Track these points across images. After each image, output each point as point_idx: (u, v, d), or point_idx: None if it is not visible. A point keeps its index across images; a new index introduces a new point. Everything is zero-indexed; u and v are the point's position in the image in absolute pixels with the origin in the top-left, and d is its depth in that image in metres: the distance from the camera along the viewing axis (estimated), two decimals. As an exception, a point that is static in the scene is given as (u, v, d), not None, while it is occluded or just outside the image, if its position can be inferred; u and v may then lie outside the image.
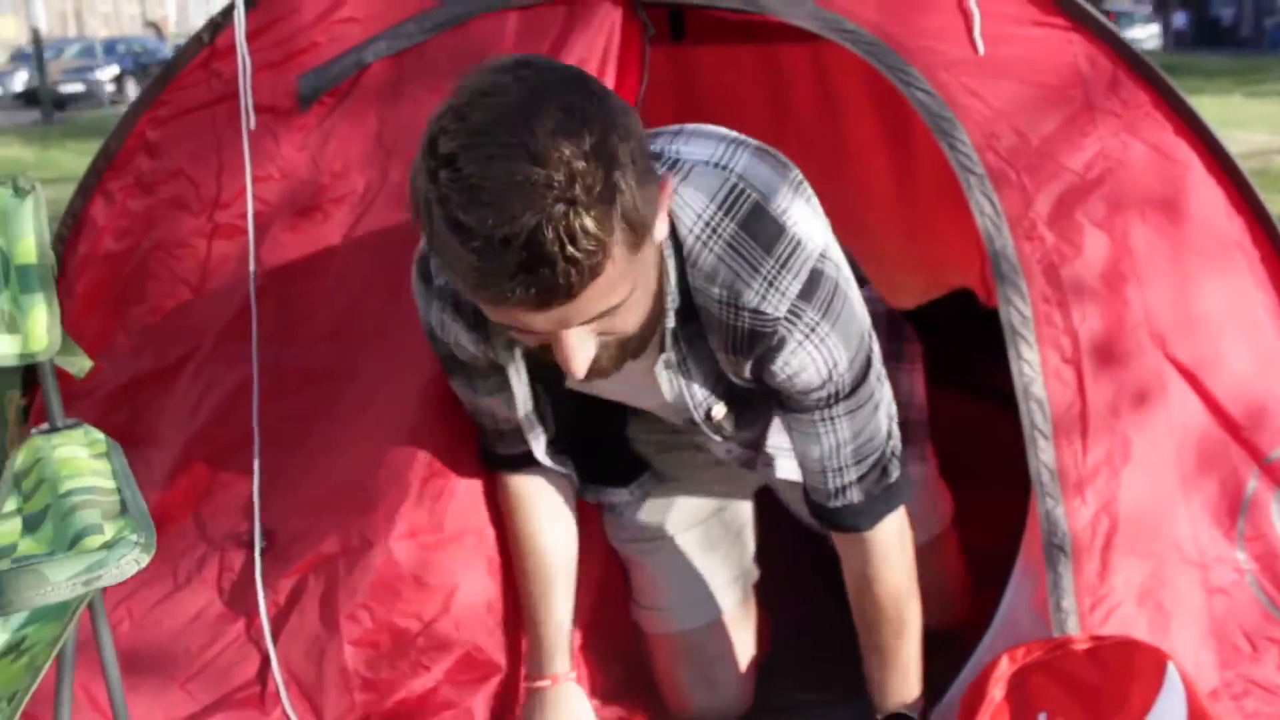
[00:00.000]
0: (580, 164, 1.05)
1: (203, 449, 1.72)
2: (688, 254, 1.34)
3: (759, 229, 1.33)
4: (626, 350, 1.31)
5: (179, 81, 1.79)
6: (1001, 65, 1.58)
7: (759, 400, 1.52)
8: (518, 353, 1.45)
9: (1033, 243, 1.56)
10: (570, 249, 1.06)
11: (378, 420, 1.61)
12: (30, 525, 0.94)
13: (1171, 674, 1.39)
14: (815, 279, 1.34)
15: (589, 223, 1.06)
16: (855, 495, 1.48)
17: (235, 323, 1.74)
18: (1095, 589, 1.55)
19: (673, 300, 1.36)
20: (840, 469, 1.47)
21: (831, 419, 1.44)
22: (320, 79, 1.71)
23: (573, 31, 1.64)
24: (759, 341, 1.37)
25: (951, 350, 2.42)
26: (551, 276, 1.07)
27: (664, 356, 1.42)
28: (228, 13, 1.76)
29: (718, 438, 1.57)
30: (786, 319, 1.34)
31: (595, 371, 1.27)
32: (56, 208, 6.02)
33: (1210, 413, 1.60)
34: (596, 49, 1.63)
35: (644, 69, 1.77)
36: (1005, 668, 1.46)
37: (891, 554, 1.53)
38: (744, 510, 1.87)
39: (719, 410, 1.51)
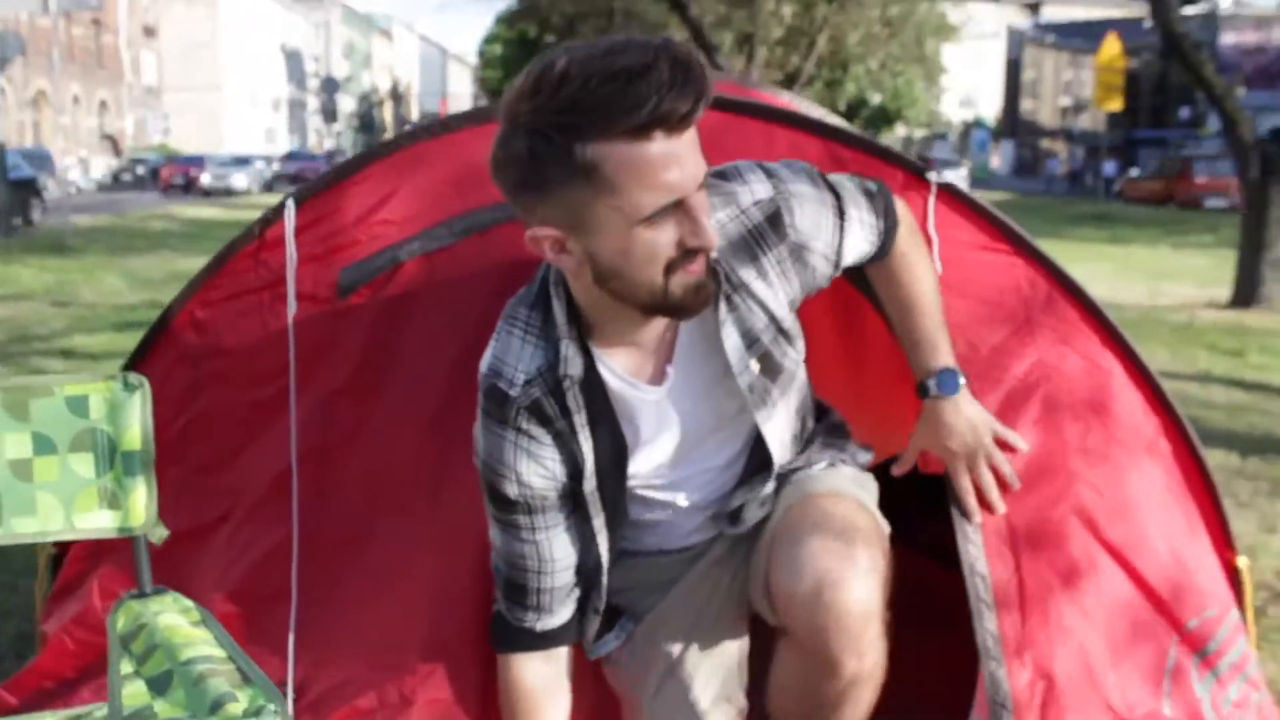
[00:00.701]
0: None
1: (238, 603, 1.88)
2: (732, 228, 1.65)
3: (714, 174, 1.60)
4: (710, 279, 1.53)
5: (229, 268, 1.99)
6: (957, 285, 1.84)
7: (781, 348, 1.69)
8: (588, 466, 1.64)
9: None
10: (699, 57, 1.36)
11: (411, 582, 1.78)
12: (158, 689, 1.09)
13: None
14: (764, 166, 1.67)
15: (698, 64, 1.36)
16: (883, 227, 1.76)
17: (272, 487, 1.92)
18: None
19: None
20: (871, 224, 1.74)
21: (850, 218, 1.71)
22: (359, 272, 1.92)
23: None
24: (776, 221, 1.63)
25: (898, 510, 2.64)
26: (693, 74, 1.34)
27: (723, 303, 1.61)
28: (278, 210, 1.98)
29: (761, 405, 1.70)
30: (774, 188, 1.64)
31: (706, 286, 1.51)
32: (14, 327, 6.23)
33: (1136, 587, 1.83)
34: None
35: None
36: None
37: (908, 244, 1.79)
38: (731, 642, 1.89)
39: (755, 366, 1.66)
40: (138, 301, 10.22)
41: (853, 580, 1.52)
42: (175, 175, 38.30)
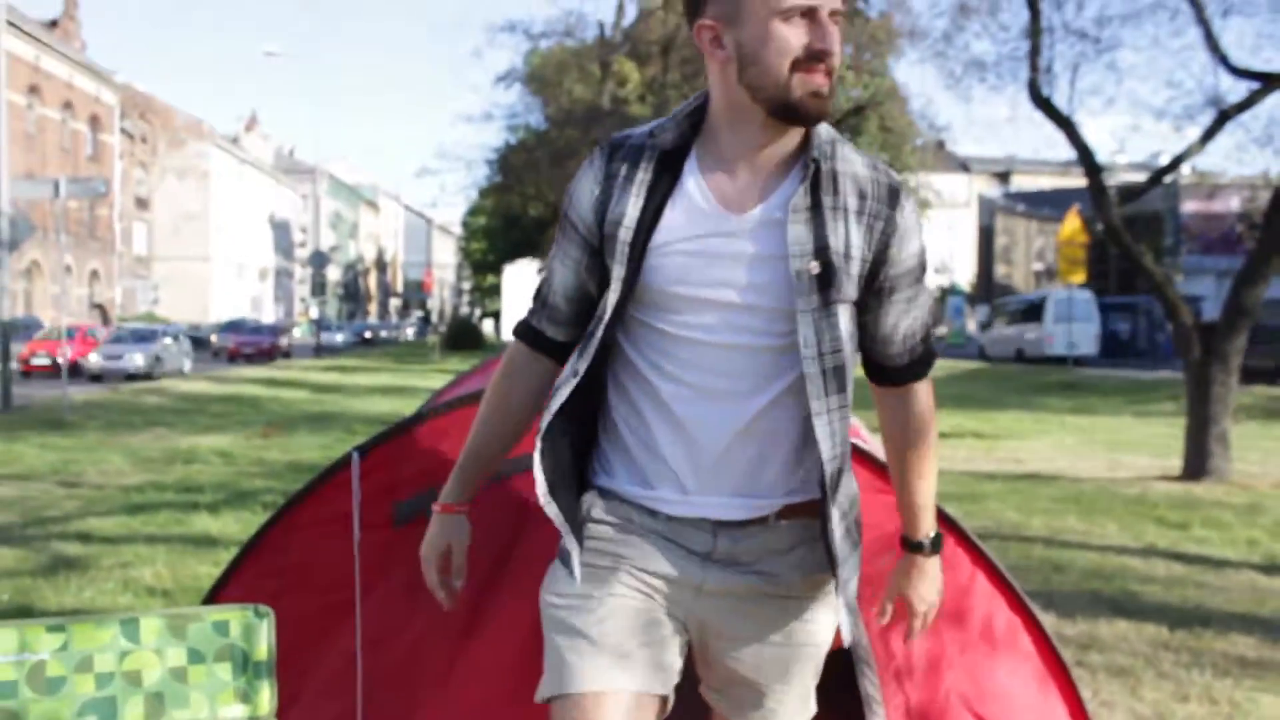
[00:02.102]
0: None
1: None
2: (841, 141, 1.88)
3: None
4: (834, 94, 1.78)
5: (307, 503, 2.58)
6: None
7: (839, 281, 1.81)
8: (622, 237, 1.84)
9: (879, 637, 2.38)
10: None
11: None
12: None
13: None
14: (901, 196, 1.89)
15: None
16: (919, 351, 1.96)
17: (334, 679, 2.47)
18: None
19: (818, 152, 1.81)
20: (914, 333, 1.94)
21: (918, 295, 1.92)
22: (411, 508, 2.51)
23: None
24: (893, 198, 1.83)
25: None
26: None
27: (798, 195, 1.79)
28: (344, 462, 2.57)
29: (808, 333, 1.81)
30: (904, 188, 1.88)
31: (828, 98, 1.76)
32: (26, 509, 6.91)
33: None
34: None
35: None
36: None
37: (928, 400, 2.00)
38: (675, 640, 1.94)
39: (815, 267, 1.78)
40: (142, 482, 10.61)
41: None
42: (37, 354, 28.82)
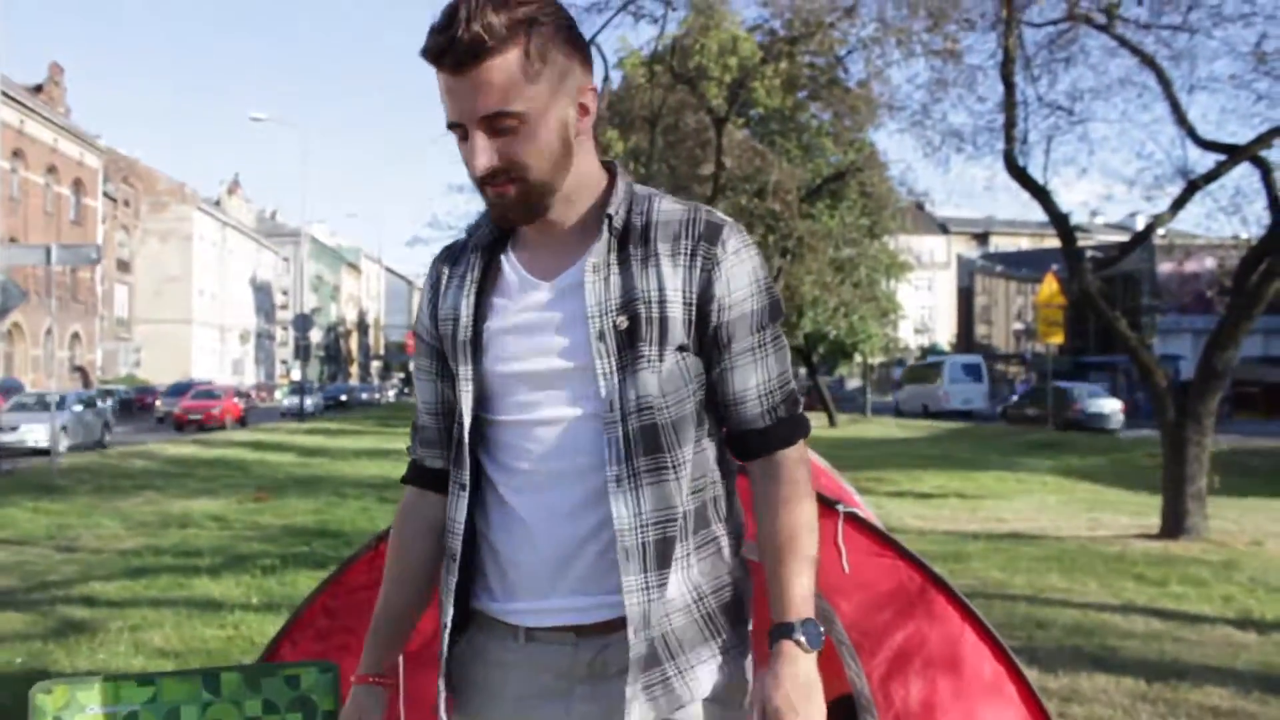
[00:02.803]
0: None
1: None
2: (659, 196, 1.79)
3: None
4: (530, 196, 1.68)
5: (352, 570, 2.82)
6: (858, 579, 2.69)
7: (653, 334, 1.70)
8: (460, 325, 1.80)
9: (880, 685, 2.63)
10: (472, 24, 1.54)
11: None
12: None
13: None
14: (724, 231, 1.74)
15: (493, 18, 1.55)
16: (782, 413, 1.77)
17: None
18: None
19: (618, 210, 1.73)
20: (770, 393, 1.76)
21: (764, 346, 1.75)
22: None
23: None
24: (712, 233, 1.71)
25: None
26: (453, 37, 1.55)
27: (595, 253, 1.71)
28: (384, 535, 2.81)
29: (603, 381, 1.69)
30: (730, 225, 1.75)
31: (506, 206, 1.68)
32: (27, 574, 7.13)
33: None
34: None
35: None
36: None
37: (803, 465, 1.79)
38: None
39: (623, 321, 1.68)
40: (139, 546, 10.75)
41: None
42: None
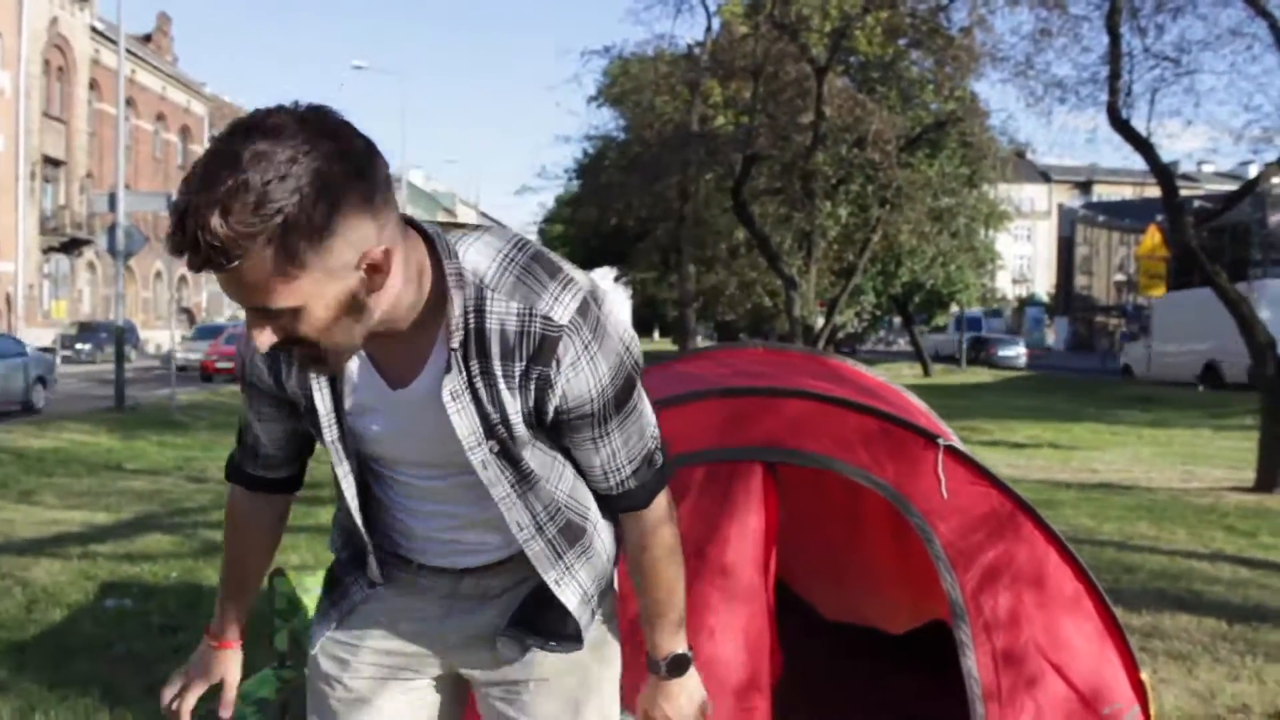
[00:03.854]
0: (255, 179, 1.32)
1: None
2: (490, 281, 1.61)
3: (543, 262, 1.65)
4: (328, 354, 1.55)
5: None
6: (955, 504, 3.06)
7: (527, 441, 1.72)
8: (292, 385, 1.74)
9: (972, 597, 3.00)
10: (202, 235, 1.33)
11: None
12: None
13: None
14: (586, 306, 1.62)
15: (222, 230, 1.32)
16: (631, 484, 1.79)
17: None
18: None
19: (458, 326, 1.60)
20: (618, 469, 1.77)
21: (606, 435, 1.73)
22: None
23: (735, 479, 3.11)
24: (547, 350, 1.60)
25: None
26: (186, 247, 1.35)
27: (449, 381, 1.63)
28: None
29: (493, 477, 1.72)
30: (569, 328, 1.60)
31: (310, 362, 1.57)
32: (166, 500, 7.77)
33: (1069, 689, 2.99)
34: (756, 487, 3.09)
35: (779, 499, 3.24)
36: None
37: (663, 524, 1.85)
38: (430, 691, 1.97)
39: (494, 445, 1.69)
40: (266, 478, 11.46)
41: None
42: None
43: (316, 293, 1.45)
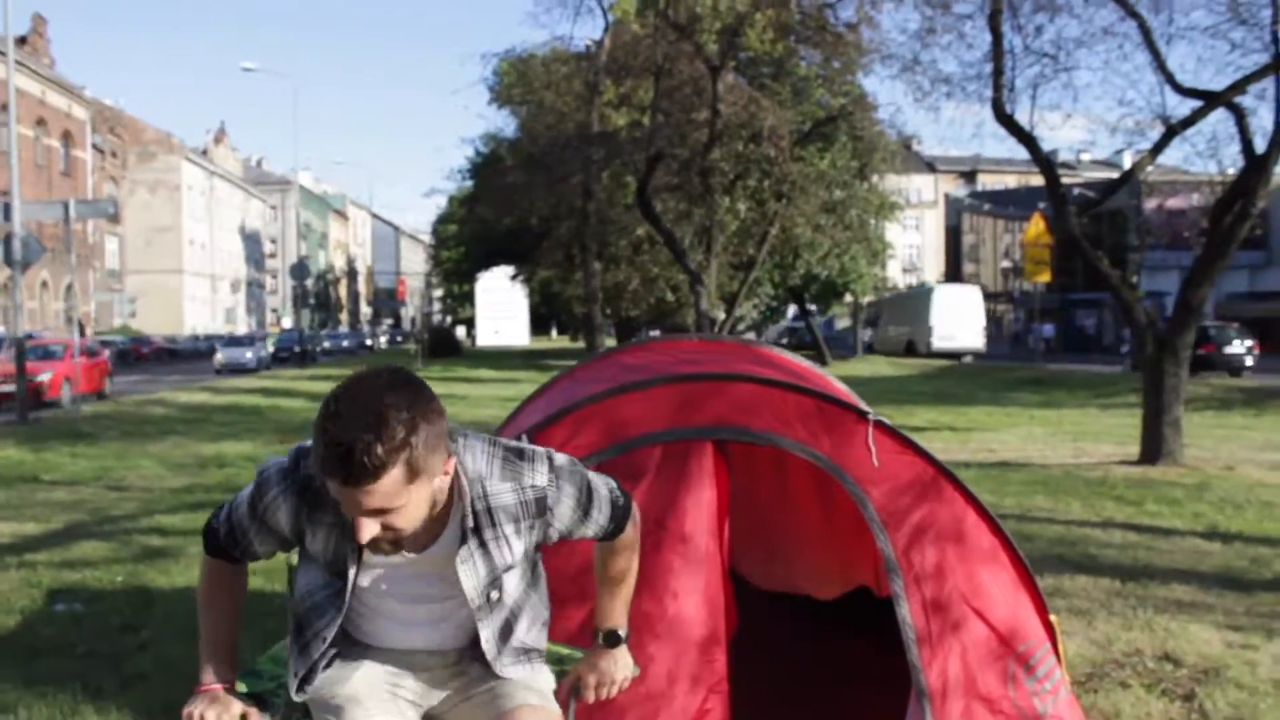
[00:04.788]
0: (394, 424, 2.02)
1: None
2: (487, 475, 2.32)
3: (513, 450, 2.38)
4: (404, 542, 2.22)
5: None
6: (885, 472, 3.45)
7: (513, 585, 2.42)
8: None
9: (903, 554, 3.38)
10: (366, 459, 1.99)
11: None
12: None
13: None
14: (550, 463, 2.39)
15: (380, 452, 2.00)
16: (611, 528, 2.52)
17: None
18: (941, 710, 3.28)
19: (469, 510, 2.29)
20: (603, 525, 2.49)
21: (589, 518, 2.46)
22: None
23: (690, 456, 3.45)
24: (541, 506, 2.35)
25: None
26: (353, 467, 2.00)
27: (463, 550, 2.30)
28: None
29: (485, 618, 2.40)
30: (550, 484, 2.36)
31: (381, 546, 2.19)
32: (93, 509, 7.96)
33: (989, 631, 3.39)
34: (708, 463, 3.44)
35: (730, 472, 3.59)
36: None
37: (631, 539, 2.58)
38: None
39: (494, 594, 2.38)
40: (186, 485, 11.45)
41: None
42: None
43: (420, 494, 2.13)
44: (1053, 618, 3.61)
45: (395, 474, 2.04)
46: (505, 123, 48.60)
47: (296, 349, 51.88)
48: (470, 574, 2.35)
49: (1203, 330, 31.73)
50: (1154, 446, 12.19)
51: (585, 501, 2.46)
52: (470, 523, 2.31)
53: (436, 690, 2.52)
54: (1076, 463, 12.65)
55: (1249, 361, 31.26)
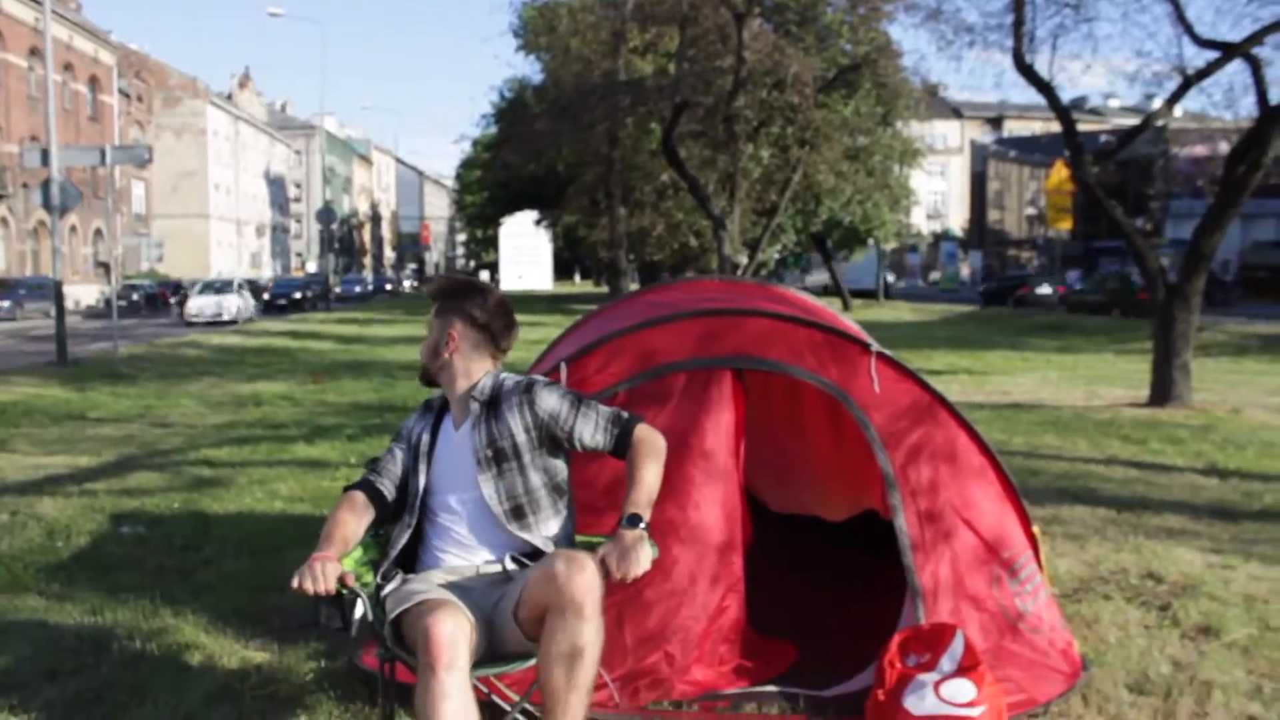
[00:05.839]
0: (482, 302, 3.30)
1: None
2: (504, 380, 3.29)
3: (515, 375, 3.35)
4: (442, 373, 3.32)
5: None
6: (885, 398, 3.85)
7: (508, 470, 3.19)
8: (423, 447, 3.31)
9: (900, 470, 3.79)
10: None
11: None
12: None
13: (959, 634, 3.52)
14: (537, 379, 3.33)
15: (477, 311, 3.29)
16: (617, 429, 3.20)
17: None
18: (932, 607, 3.70)
19: (484, 389, 3.26)
20: (605, 426, 3.20)
21: (585, 409, 3.23)
22: (599, 396, 3.89)
23: (711, 383, 3.86)
24: (529, 388, 3.22)
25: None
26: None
27: (473, 414, 3.24)
28: (556, 368, 3.95)
29: (490, 475, 3.19)
30: (535, 381, 3.28)
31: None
32: (142, 443, 8.49)
33: (977, 539, 3.81)
34: (727, 389, 3.85)
35: (747, 398, 4.00)
36: (896, 639, 3.59)
37: (646, 439, 3.17)
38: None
39: (489, 452, 3.18)
40: (227, 421, 11.94)
41: (580, 572, 2.83)
42: None
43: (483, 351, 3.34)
44: (1035, 529, 4.02)
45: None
46: (531, 69, 48.68)
47: (298, 294, 47.88)
48: (475, 436, 3.24)
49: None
50: (1163, 389, 12.53)
51: (575, 400, 3.26)
52: (482, 399, 3.28)
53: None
54: (1088, 405, 13.01)
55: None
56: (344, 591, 2.91)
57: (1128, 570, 5.43)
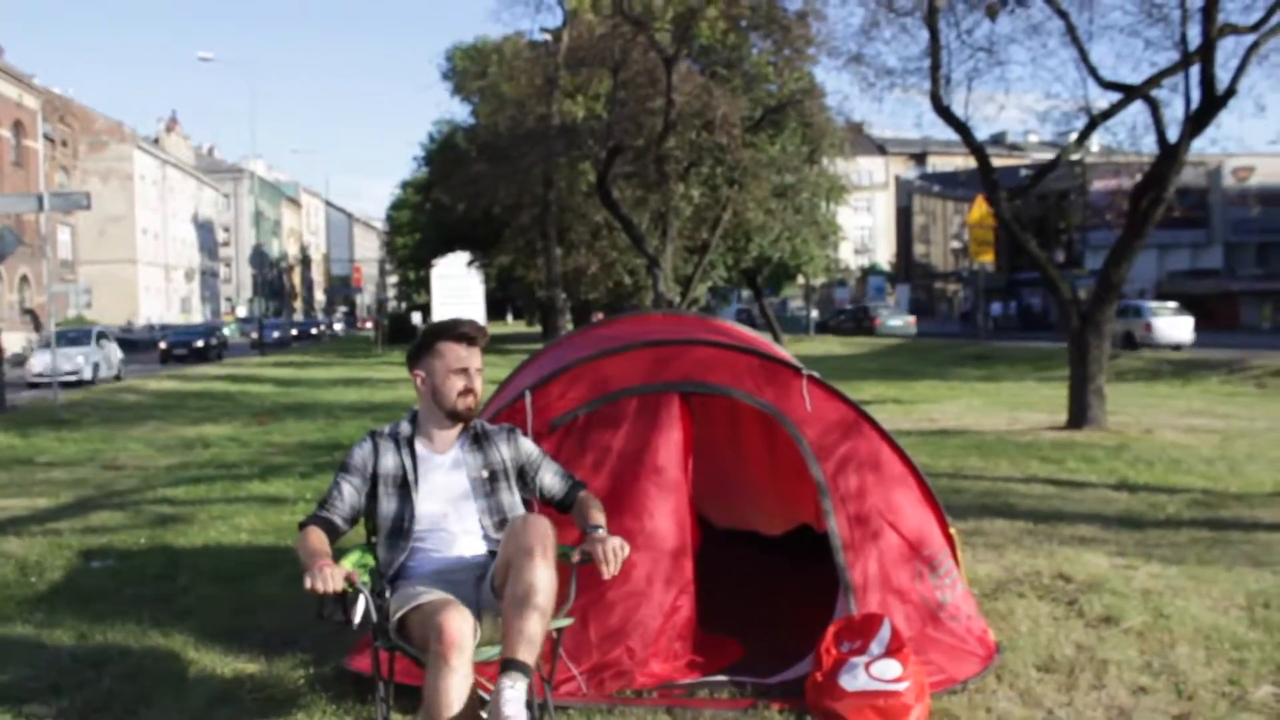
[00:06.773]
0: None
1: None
2: (481, 423, 3.81)
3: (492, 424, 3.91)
4: (470, 410, 3.69)
5: (498, 421, 4.40)
6: (816, 415, 4.33)
7: (498, 489, 3.66)
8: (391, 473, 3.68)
9: (831, 479, 4.27)
10: (482, 329, 3.74)
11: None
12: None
13: (887, 622, 3.99)
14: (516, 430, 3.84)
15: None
16: (571, 481, 3.76)
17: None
18: (862, 600, 4.17)
19: (477, 421, 3.76)
20: (564, 477, 3.76)
21: (547, 462, 3.77)
22: (561, 420, 4.32)
23: (660, 406, 4.32)
24: (510, 432, 3.76)
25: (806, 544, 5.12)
26: (474, 331, 3.71)
27: (464, 441, 3.70)
28: (520, 396, 4.38)
29: (483, 493, 3.66)
30: (517, 430, 3.84)
31: (465, 404, 3.66)
32: (98, 485, 8.75)
33: (900, 539, 4.29)
34: (675, 411, 4.31)
35: (693, 419, 4.46)
36: (830, 629, 4.05)
37: (590, 493, 3.78)
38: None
39: (485, 473, 3.64)
40: (178, 463, 12.12)
41: (535, 524, 3.33)
42: None
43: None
44: (952, 530, 4.53)
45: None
46: (458, 110, 49.06)
47: (200, 343, 43.53)
48: (471, 459, 3.70)
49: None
50: (1080, 413, 13.20)
51: (543, 452, 3.84)
52: (475, 430, 3.76)
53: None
54: (1010, 429, 13.65)
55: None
56: (349, 589, 3.29)
57: (1041, 573, 5.94)
